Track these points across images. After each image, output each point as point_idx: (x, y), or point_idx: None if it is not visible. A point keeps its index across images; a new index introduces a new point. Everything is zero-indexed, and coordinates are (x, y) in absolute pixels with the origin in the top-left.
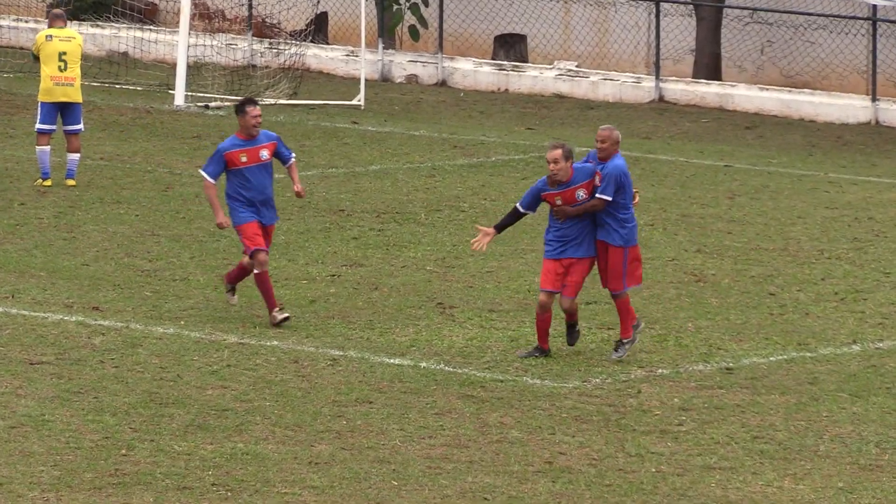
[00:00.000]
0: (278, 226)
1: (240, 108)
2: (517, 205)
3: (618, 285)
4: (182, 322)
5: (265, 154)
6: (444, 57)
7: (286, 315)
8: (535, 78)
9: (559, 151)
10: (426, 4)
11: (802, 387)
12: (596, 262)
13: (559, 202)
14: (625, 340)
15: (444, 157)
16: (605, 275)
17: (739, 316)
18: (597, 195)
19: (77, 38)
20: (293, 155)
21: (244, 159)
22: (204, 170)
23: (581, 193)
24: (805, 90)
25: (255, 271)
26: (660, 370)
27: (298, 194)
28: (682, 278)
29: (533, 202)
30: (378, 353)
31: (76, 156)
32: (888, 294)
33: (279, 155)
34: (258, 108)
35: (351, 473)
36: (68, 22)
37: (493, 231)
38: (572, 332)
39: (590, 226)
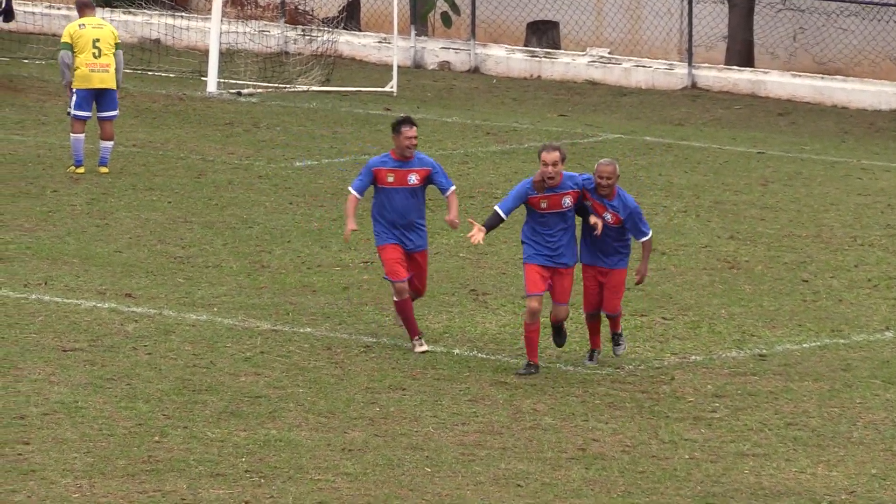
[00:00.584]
0: (313, 212)
1: (395, 127)
2: (499, 208)
3: (618, 305)
4: (215, 309)
5: (414, 179)
6: (476, 44)
7: (425, 348)
8: (568, 65)
9: (558, 154)
10: None
11: (836, 373)
12: (588, 287)
13: (544, 206)
14: (619, 332)
15: (476, 143)
16: (608, 295)
17: (772, 302)
18: (643, 237)
19: (108, 25)
20: (453, 185)
21: (391, 179)
22: (351, 183)
23: (567, 200)
24: (837, 77)
25: (395, 299)
26: (693, 357)
27: (451, 224)
28: (716, 265)
29: (514, 206)
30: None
31: (109, 143)
32: None
33: (436, 183)
34: (414, 128)
35: (384, 460)
36: (98, 10)
37: (483, 229)
38: (560, 332)
39: (573, 232)
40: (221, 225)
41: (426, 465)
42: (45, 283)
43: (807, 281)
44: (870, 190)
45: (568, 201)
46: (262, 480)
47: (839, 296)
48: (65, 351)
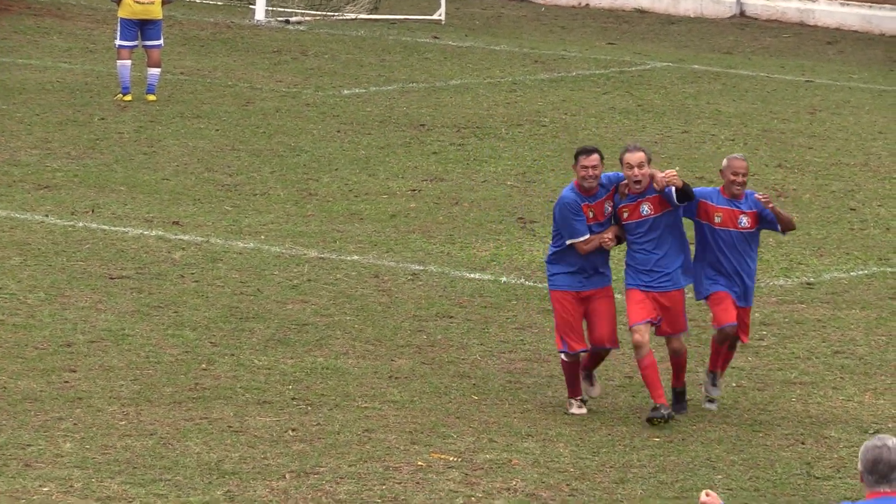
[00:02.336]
0: (360, 140)
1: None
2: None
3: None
4: (262, 237)
5: (609, 207)
6: None
7: (583, 411)
8: None
9: (643, 154)
10: None
11: (883, 302)
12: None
13: (626, 216)
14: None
15: (524, 71)
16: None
17: (820, 231)
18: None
19: None
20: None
21: (591, 215)
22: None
23: (646, 208)
24: (886, 5)
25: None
26: None
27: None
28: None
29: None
30: (458, 267)
31: (157, 70)
32: None
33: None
34: (593, 156)
35: (431, 388)
36: None
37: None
38: (682, 399)
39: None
40: (269, 153)
41: (473, 392)
42: (93, 211)
43: (854, 209)
44: None
45: (647, 209)
46: (309, 408)
47: (887, 224)
48: (112, 278)
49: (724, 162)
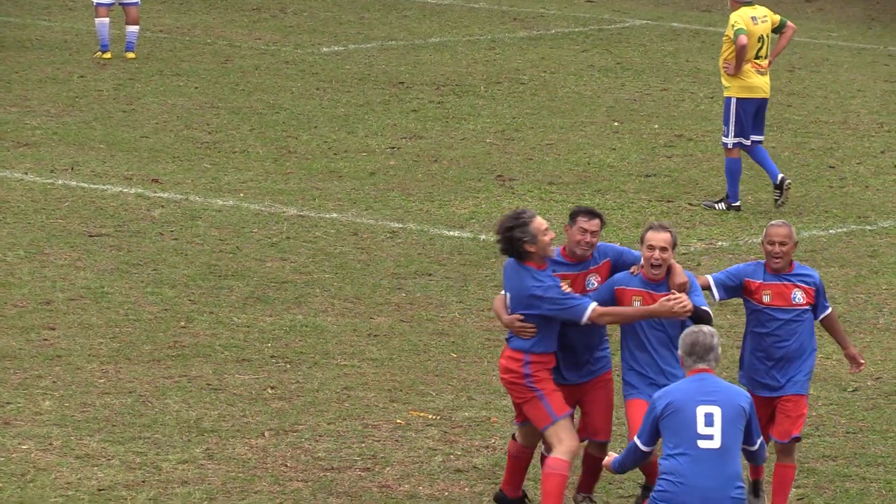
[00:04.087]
0: (339, 98)
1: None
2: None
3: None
4: (241, 194)
5: (595, 283)
6: None
7: None
8: None
9: (670, 237)
10: None
11: (862, 259)
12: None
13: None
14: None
15: (503, 29)
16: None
17: (799, 189)
18: (825, 312)
19: None
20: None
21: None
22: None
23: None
24: None
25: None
26: (720, 242)
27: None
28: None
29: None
30: (437, 225)
31: (135, 28)
32: None
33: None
34: (596, 221)
35: (410, 346)
36: None
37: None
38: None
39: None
40: (248, 110)
41: (452, 350)
42: (72, 169)
43: (833, 167)
44: None
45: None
46: (288, 366)
47: (865, 182)
48: (91, 236)
49: (764, 230)
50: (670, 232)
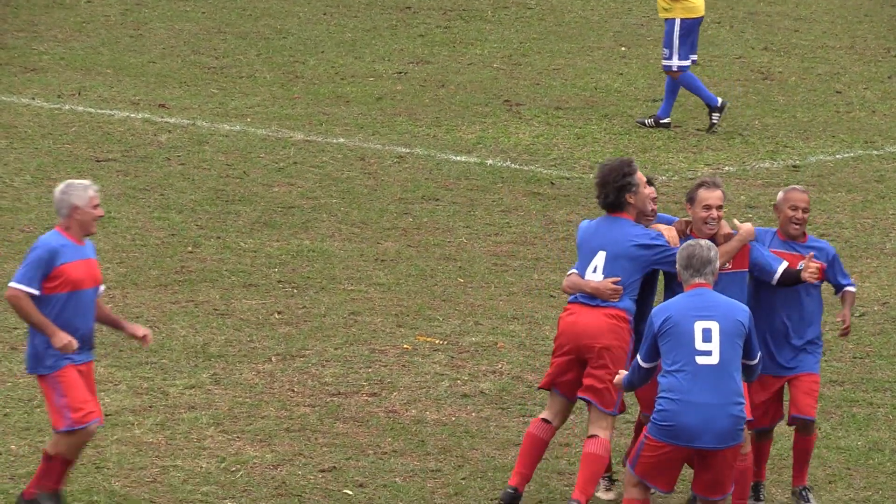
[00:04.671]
0: (346, 23)
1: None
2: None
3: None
4: (248, 119)
5: None
6: None
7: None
8: None
9: (720, 193)
10: None
11: (869, 184)
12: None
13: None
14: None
15: None
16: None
17: (806, 113)
18: (847, 287)
19: None
20: None
21: None
22: None
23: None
24: None
25: None
26: (727, 167)
27: None
28: (749, 76)
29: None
30: (444, 150)
31: None
32: None
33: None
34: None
35: (417, 270)
36: None
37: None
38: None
39: None
40: (255, 35)
41: (459, 275)
42: (79, 94)
43: (840, 92)
44: None
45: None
46: (295, 290)
47: (872, 107)
48: (98, 161)
49: (780, 195)
50: (721, 188)
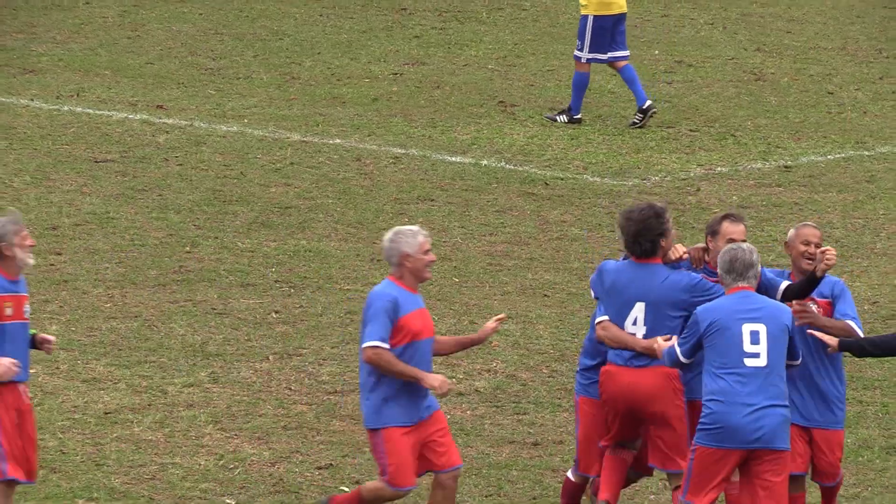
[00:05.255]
0: (342, 24)
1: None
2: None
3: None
4: (245, 120)
5: None
6: None
7: None
8: None
9: (743, 227)
10: None
11: (860, 185)
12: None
13: None
14: None
15: None
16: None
17: (798, 114)
18: (849, 320)
19: None
20: None
21: None
22: None
23: None
24: None
25: None
26: (719, 168)
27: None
28: (742, 77)
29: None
30: (440, 150)
31: None
32: None
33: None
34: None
35: None
36: None
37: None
38: None
39: None
40: (252, 37)
41: (454, 275)
42: (77, 95)
43: (832, 93)
44: (895, 2)
45: None
46: (292, 290)
47: (864, 108)
48: (97, 162)
49: (791, 232)
50: (743, 221)
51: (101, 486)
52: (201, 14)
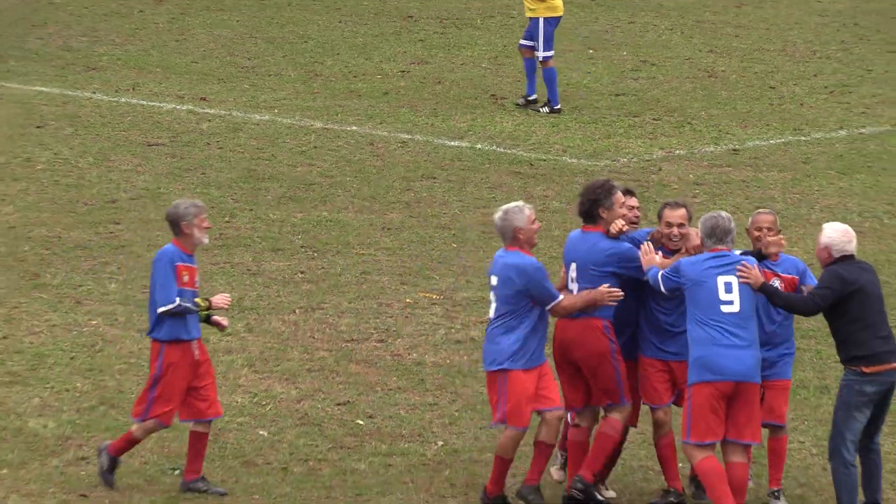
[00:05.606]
0: (358, 29)
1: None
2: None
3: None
4: (276, 110)
5: None
6: None
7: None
8: None
9: (685, 211)
10: None
11: (797, 165)
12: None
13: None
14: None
15: None
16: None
17: (745, 106)
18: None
19: None
20: None
21: None
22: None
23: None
24: None
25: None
26: (677, 151)
27: None
28: (697, 74)
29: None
30: (441, 136)
31: None
32: (870, 88)
33: None
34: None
35: (418, 237)
36: None
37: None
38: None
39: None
40: (281, 40)
41: (453, 241)
42: (133, 89)
43: (773, 87)
44: (828, 11)
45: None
46: (315, 254)
47: (801, 100)
48: (149, 145)
49: (750, 219)
50: (685, 207)
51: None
52: (238, 21)
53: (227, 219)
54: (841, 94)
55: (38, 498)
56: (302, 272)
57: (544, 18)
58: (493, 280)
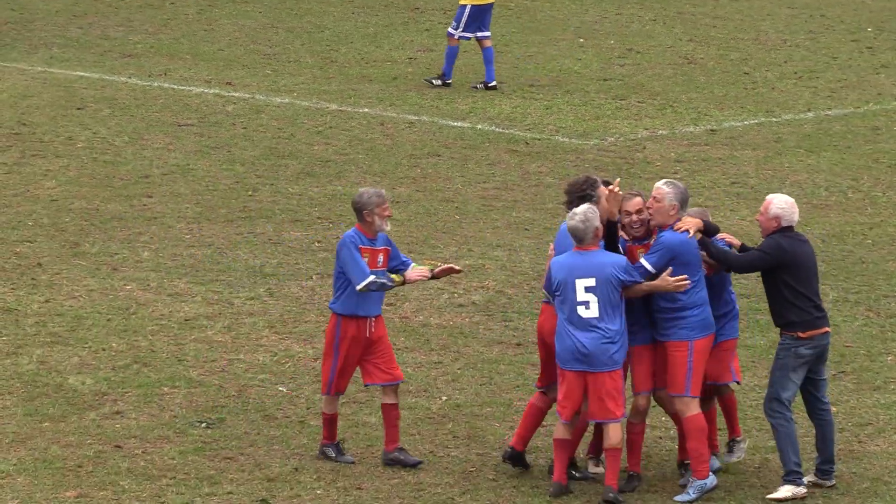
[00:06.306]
0: (369, 20)
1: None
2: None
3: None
4: (295, 94)
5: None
6: None
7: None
8: None
9: (640, 199)
10: None
11: (769, 144)
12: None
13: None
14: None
15: None
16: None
17: (721, 90)
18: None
19: None
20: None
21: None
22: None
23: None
24: None
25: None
26: (660, 131)
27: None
28: (678, 61)
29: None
30: (445, 117)
31: None
32: (835, 74)
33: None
34: (637, 199)
35: (424, 210)
36: None
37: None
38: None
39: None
40: (300, 29)
41: (456, 213)
42: (165, 74)
43: (747, 73)
44: (797, 3)
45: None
46: (330, 225)
47: (772, 85)
48: (179, 126)
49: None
50: (640, 195)
51: (182, 376)
52: (261, 12)
53: (250, 193)
54: (809, 78)
55: (76, 448)
56: (319, 241)
57: (471, 6)
58: (590, 282)
